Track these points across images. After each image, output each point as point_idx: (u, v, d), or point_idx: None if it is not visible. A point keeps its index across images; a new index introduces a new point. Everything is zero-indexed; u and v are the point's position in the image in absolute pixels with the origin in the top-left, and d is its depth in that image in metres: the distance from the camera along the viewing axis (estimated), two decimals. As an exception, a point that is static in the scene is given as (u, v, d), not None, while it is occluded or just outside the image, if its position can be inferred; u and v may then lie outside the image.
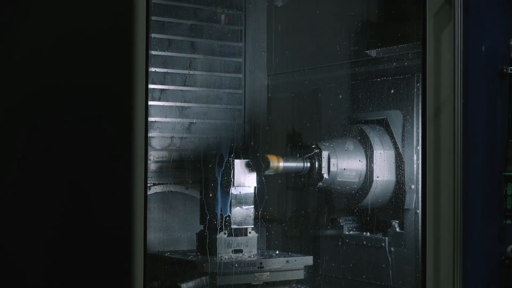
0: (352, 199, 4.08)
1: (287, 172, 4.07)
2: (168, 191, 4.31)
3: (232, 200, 4.00)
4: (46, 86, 3.46)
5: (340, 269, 4.18)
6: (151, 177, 4.25)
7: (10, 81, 3.57)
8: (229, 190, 4.01)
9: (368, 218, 4.10)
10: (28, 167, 3.49)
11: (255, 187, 4.05)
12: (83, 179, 3.32)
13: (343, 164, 4.01)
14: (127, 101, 3.14)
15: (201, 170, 4.14)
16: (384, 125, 4.03)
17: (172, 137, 4.37)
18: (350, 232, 4.19)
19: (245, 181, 4.03)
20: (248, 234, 4.04)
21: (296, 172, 4.06)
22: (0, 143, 3.56)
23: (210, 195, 4.08)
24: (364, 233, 4.12)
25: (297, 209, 4.47)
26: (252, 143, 4.48)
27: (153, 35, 4.26)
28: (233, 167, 3.98)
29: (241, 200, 4.03)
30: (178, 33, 4.40)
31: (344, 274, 4.16)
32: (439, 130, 3.17)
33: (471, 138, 3.21)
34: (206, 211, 4.06)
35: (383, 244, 4.00)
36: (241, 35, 4.60)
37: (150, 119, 4.26)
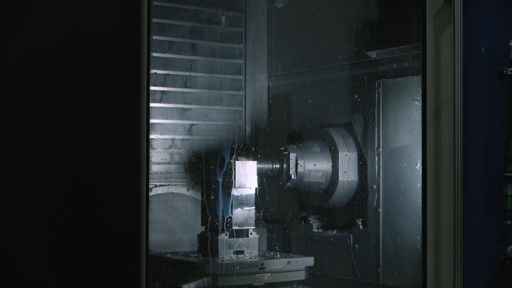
0: (319, 198, 4.27)
1: (258, 173, 4.19)
2: (169, 192, 4.31)
3: (233, 202, 4.02)
4: (48, 87, 3.46)
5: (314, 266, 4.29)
6: (152, 179, 4.26)
7: (13, 83, 3.58)
8: (230, 191, 4.03)
9: (334, 217, 4.31)
10: (29, 168, 3.50)
11: (256, 188, 4.08)
12: (84, 180, 3.33)
13: (310, 165, 4.17)
14: (129, 103, 3.15)
15: (202, 172, 4.15)
16: (349, 128, 4.22)
17: (173, 139, 4.38)
18: (319, 230, 4.35)
19: (246, 182, 4.05)
20: (249, 235, 4.05)
21: (266, 173, 4.21)
22: (6, 144, 3.57)
23: (212, 197, 4.09)
24: (331, 231, 4.31)
25: (274, 209, 4.56)
26: (252, 145, 4.49)
27: (154, 37, 4.27)
28: (234, 168, 4.01)
29: (242, 201, 4.05)
30: (179, 35, 4.41)
31: (316, 270, 4.27)
32: (439, 131, 3.18)
33: (471, 139, 3.21)
34: (207, 213, 4.07)
35: (348, 241, 4.19)
36: (241, 36, 4.61)
37: (152, 121, 4.27)
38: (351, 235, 4.19)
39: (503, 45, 3.34)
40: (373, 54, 4.18)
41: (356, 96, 4.19)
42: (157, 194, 4.27)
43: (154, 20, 4.26)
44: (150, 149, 4.22)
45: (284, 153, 4.20)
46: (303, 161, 4.20)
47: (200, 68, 4.47)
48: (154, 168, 4.30)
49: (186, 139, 4.42)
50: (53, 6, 3.47)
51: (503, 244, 3.32)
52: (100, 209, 3.29)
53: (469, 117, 3.21)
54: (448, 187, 3.15)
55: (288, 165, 4.17)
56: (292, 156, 4.18)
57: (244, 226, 4.05)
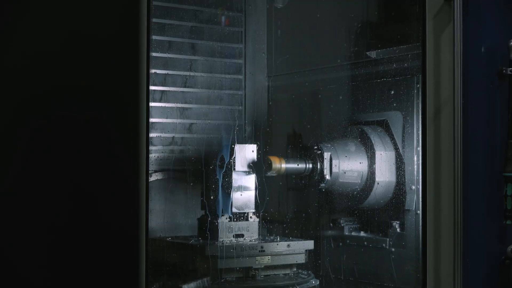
0: (354, 200, 4.09)
1: (289, 173, 4.09)
2: (169, 177, 4.31)
3: (233, 185, 4.00)
4: (48, 87, 3.47)
5: (341, 270, 4.19)
6: (153, 164, 4.27)
7: (13, 84, 3.58)
8: (230, 191, 4.03)
9: (369, 219, 4.12)
10: (29, 168, 3.50)
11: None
12: (83, 180, 3.33)
13: (345, 166, 4.03)
14: (129, 102, 3.15)
15: (202, 172, 4.15)
16: (385, 126, 4.04)
17: (173, 137, 4.38)
18: (352, 233, 4.20)
19: (245, 165, 4.03)
20: (249, 219, 4.06)
21: (298, 174, 4.08)
22: (6, 144, 3.57)
23: (212, 197, 4.09)
24: (366, 234, 4.15)
25: (298, 210, 4.48)
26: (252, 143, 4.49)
27: (154, 37, 4.27)
28: (234, 152, 3.98)
29: (241, 185, 4.04)
30: (179, 35, 4.41)
31: (345, 275, 4.17)
32: (439, 131, 3.18)
33: (471, 139, 3.21)
34: (207, 198, 4.07)
35: (384, 244, 4.01)
36: (241, 36, 4.61)
37: (151, 120, 4.27)
38: (387, 239, 4.00)
39: (503, 45, 3.34)
40: (372, 54, 4.16)
41: (393, 92, 3.99)
42: (157, 180, 4.27)
43: (154, 20, 4.26)
44: (150, 146, 4.23)
45: (318, 152, 4.03)
46: (337, 161, 4.02)
47: (200, 68, 4.47)
48: (154, 154, 4.30)
49: (186, 138, 4.43)
50: (52, 6, 3.47)
51: (503, 244, 3.32)
52: (100, 209, 3.29)
53: (469, 117, 3.21)
54: (448, 187, 3.15)
55: (322, 165, 4.01)
56: (326, 155, 4.01)
57: (243, 210, 4.04)
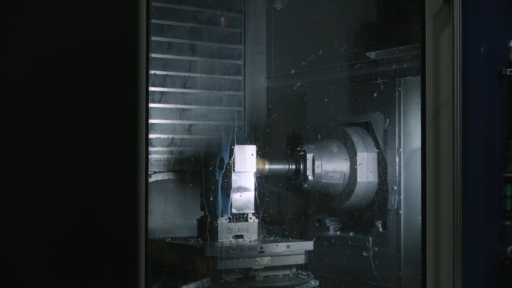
0: (337, 200, 4.18)
1: (272, 174, 4.16)
2: (168, 178, 4.32)
3: (233, 186, 4.01)
4: (48, 88, 3.47)
5: (325, 269, 4.25)
6: (152, 165, 4.27)
7: (13, 85, 3.58)
8: (230, 192, 4.03)
9: (352, 219, 4.21)
10: (29, 169, 3.50)
11: (255, 173, 4.06)
12: (83, 181, 3.33)
13: (327, 166, 4.11)
14: (128, 103, 3.15)
15: (202, 173, 4.15)
16: (367, 128, 4.13)
17: (172, 138, 4.39)
18: (337, 233, 4.28)
19: (245, 166, 4.04)
20: (248, 219, 4.06)
21: (282, 174, 4.16)
22: (6, 145, 3.57)
23: (211, 198, 4.10)
24: (349, 234, 4.22)
25: (286, 211, 4.53)
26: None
27: (153, 38, 4.27)
28: (234, 153, 4.00)
29: (241, 185, 4.04)
30: (178, 35, 4.41)
31: (331, 273, 4.24)
32: (438, 132, 3.18)
33: (470, 139, 3.21)
34: (206, 199, 4.08)
35: (367, 244, 4.09)
36: (240, 37, 4.61)
37: (151, 121, 4.27)
38: (370, 238, 4.10)
39: (502, 45, 3.34)
40: (372, 55, 4.17)
41: (375, 94, 4.09)
42: (156, 181, 4.28)
43: (153, 21, 4.26)
44: (149, 146, 4.24)
45: (301, 153, 4.12)
46: (320, 162, 4.11)
47: (199, 69, 4.47)
48: (154, 156, 4.30)
49: (185, 139, 4.43)
50: (52, 8, 3.47)
51: (502, 244, 3.32)
52: (99, 210, 3.29)
53: (468, 118, 3.21)
54: (448, 188, 3.15)
55: (305, 165, 4.10)
56: (309, 156, 4.10)
57: (243, 210, 4.05)
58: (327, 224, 4.30)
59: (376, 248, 4.07)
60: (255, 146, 4.07)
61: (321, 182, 4.13)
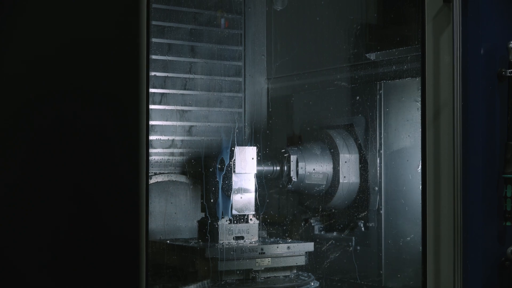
0: (321, 200, 4.28)
1: (258, 175, 4.20)
2: (169, 180, 4.33)
3: (233, 187, 4.03)
4: (49, 90, 3.47)
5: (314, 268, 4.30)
6: (152, 167, 4.28)
7: (13, 87, 3.58)
8: (230, 193, 4.03)
9: (335, 219, 4.31)
10: (30, 170, 3.50)
11: (255, 174, 4.10)
12: (83, 182, 3.33)
13: (311, 168, 4.20)
14: (128, 105, 3.15)
15: (202, 174, 4.16)
16: (350, 130, 4.24)
17: (173, 140, 4.39)
18: (321, 232, 4.35)
19: (245, 167, 4.06)
20: (249, 221, 4.07)
21: (267, 175, 4.22)
22: (7, 146, 3.57)
23: (212, 200, 4.10)
24: (333, 233, 4.31)
25: (273, 211, 4.58)
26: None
27: (153, 39, 4.27)
28: (234, 154, 4.03)
29: (241, 187, 4.06)
30: (178, 37, 4.41)
31: (317, 273, 4.28)
32: (438, 133, 3.18)
33: (470, 140, 3.22)
34: (207, 200, 4.09)
35: (350, 243, 4.19)
36: (240, 39, 4.61)
37: (151, 122, 4.28)
38: (353, 237, 4.20)
39: (502, 46, 3.34)
40: (372, 56, 4.18)
41: (358, 97, 4.20)
42: (156, 182, 4.28)
43: (153, 22, 4.26)
44: (149, 148, 4.24)
45: (285, 155, 4.20)
46: (303, 163, 4.21)
47: (199, 70, 4.47)
48: (154, 157, 4.31)
49: (186, 140, 4.43)
50: (52, 9, 3.47)
51: (502, 245, 3.32)
52: (100, 212, 3.29)
53: (468, 119, 3.21)
54: (448, 189, 3.15)
55: (289, 167, 4.19)
56: (293, 158, 4.19)
57: (243, 212, 4.06)
58: (312, 224, 4.40)
59: (358, 247, 4.17)
60: (255, 148, 4.10)
61: (305, 183, 4.23)
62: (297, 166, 4.19)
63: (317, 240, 4.33)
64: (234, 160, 4.02)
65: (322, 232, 4.37)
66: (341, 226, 4.28)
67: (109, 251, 3.23)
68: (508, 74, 3.32)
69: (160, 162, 4.33)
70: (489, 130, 3.33)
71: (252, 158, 4.07)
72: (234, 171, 4.03)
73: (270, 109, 4.69)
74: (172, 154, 4.39)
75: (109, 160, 3.26)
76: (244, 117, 4.61)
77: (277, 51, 4.66)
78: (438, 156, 3.18)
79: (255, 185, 4.10)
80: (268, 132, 4.60)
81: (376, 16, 4.26)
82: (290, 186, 4.21)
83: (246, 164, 4.06)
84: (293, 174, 4.18)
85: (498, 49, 3.34)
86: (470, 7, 3.22)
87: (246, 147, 4.08)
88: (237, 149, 4.04)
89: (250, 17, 4.64)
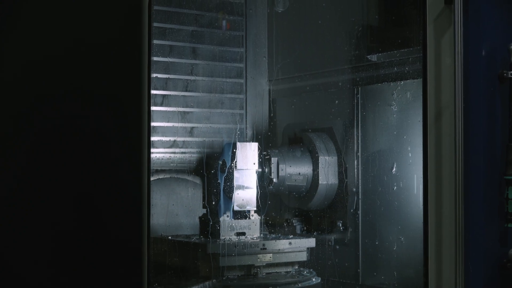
0: (301, 201, 4.40)
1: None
2: (171, 177, 4.34)
3: (235, 183, 4.06)
4: (51, 92, 3.48)
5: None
6: (154, 164, 4.29)
7: (16, 89, 3.58)
8: (232, 195, 4.04)
9: (315, 219, 4.42)
10: (32, 172, 3.51)
11: (257, 170, 4.15)
12: (84, 183, 3.34)
13: (291, 169, 4.31)
14: (130, 106, 3.16)
15: (204, 176, 4.16)
16: (330, 133, 4.35)
17: (175, 140, 4.39)
18: (303, 232, 4.44)
19: (247, 164, 4.09)
20: (250, 217, 4.08)
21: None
22: (8, 148, 3.57)
23: (213, 202, 4.10)
24: (314, 233, 4.39)
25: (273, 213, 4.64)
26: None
27: (155, 41, 4.27)
28: (236, 151, 4.06)
29: (243, 183, 4.07)
30: (180, 39, 4.42)
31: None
32: (440, 134, 3.18)
33: (471, 142, 3.22)
34: (208, 202, 4.10)
35: (329, 243, 4.29)
36: (242, 40, 4.62)
37: (153, 124, 4.28)
38: (332, 237, 4.29)
39: (503, 48, 3.35)
40: (373, 58, 4.19)
41: (337, 101, 4.30)
42: (158, 179, 4.29)
43: (155, 24, 4.26)
44: (151, 148, 4.24)
45: (266, 157, 4.27)
46: (284, 165, 4.29)
47: (201, 72, 4.47)
48: (156, 155, 4.33)
49: (188, 141, 4.44)
50: (55, 12, 3.48)
51: (504, 246, 3.33)
52: (102, 212, 3.30)
53: (469, 120, 3.21)
54: (449, 190, 3.15)
55: (270, 168, 4.26)
56: (274, 160, 4.27)
57: (245, 208, 4.07)
58: (294, 224, 4.48)
59: (337, 247, 4.26)
60: (257, 144, 4.15)
61: (286, 184, 4.32)
62: (277, 167, 4.27)
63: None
64: (236, 156, 4.05)
65: (304, 232, 4.44)
66: (321, 226, 4.37)
67: (111, 252, 3.23)
68: (509, 76, 3.33)
69: (162, 159, 4.34)
70: (490, 131, 3.33)
71: (253, 150, 4.10)
72: (236, 167, 4.06)
73: (272, 111, 4.71)
74: (173, 153, 4.40)
75: (111, 161, 3.27)
76: (246, 118, 4.61)
77: (279, 53, 4.66)
78: (440, 158, 3.18)
79: (257, 181, 4.13)
80: (269, 134, 4.62)
81: (378, 18, 4.27)
82: (271, 187, 4.28)
83: (248, 160, 4.10)
84: (273, 175, 4.26)
85: (499, 51, 3.34)
86: (471, 9, 3.22)
87: (248, 143, 4.14)
88: (239, 145, 4.07)
89: (252, 19, 4.64)
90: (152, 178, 4.14)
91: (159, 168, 4.32)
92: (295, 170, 4.33)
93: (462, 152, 3.14)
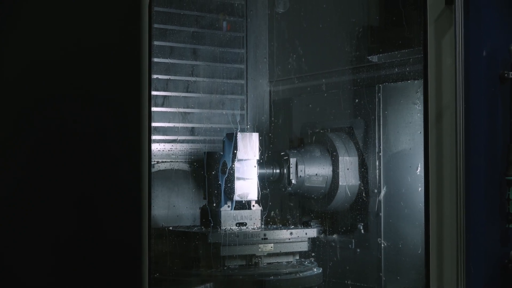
0: (320, 203, 4.30)
1: (260, 178, 4.21)
2: (172, 169, 4.34)
3: (236, 174, 4.04)
4: (53, 92, 3.48)
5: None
6: (155, 155, 4.29)
7: (16, 91, 3.59)
8: (233, 196, 4.04)
9: (335, 221, 4.32)
10: (33, 173, 3.51)
11: (257, 160, 4.11)
12: (85, 185, 3.34)
13: (310, 170, 4.22)
14: (130, 107, 3.16)
15: (205, 178, 4.16)
16: (350, 133, 4.26)
17: (177, 139, 4.40)
18: (321, 235, 4.34)
19: (248, 154, 4.07)
20: (251, 207, 4.07)
21: (266, 178, 4.25)
22: (8, 149, 3.58)
23: (214, 204, 4.10)
24: (333, 236, 4.32)
25: (275, 213, 4.59)
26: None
27: (155, 42, 4.27)
28: (236, 141, 4.04)
29: (244, 173, 4.05)
30: (180, 40, 4.42)
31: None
32: (441, 135, 3.18)
33: (473, 143, 3.21)
34: (209, 203, 4.10)
35: (350, 245, 4.20)
36: (242, 41, 4.62)
37: (154, 124, 4.28)
38: (353, 240, 4.20)
39: (504, 48, 3.34)
40: (374, 59, 4.18)
41: (357, 100, 4.21)
42: (159, 170, 4.29)
43: (155, 25, 4.26)
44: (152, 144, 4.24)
45: (285, 158, 4.21)
46: (303, 166, 4.22)
47: (201, 73, 4.48)
48: (156, 146, 4.32)
49: (188, 139, 4.44)
50: (56, 13, 3.48)
51: (505, 247, 3.32)
52: (102, 213, 3.30)
53: (470, 121, 3.21)
54: (450, 191, 3.15)
55: (289, 170, 4.19)
56: (293, 161, 4.20)
57: (246, 198, 4.05)
58: (312, 227, 4.36)
59: (358, 250, 4.18)
60: (257, 134, 4.13)
61: (305, 185, 4.24)
62: (296, 169, 4.21)
63: (317, 242, 4.33)
64: (237, 146, 4.02)
65: (322, 235, 4.37)
66: (341, 228, 4.29)
67: (111, 251, 3.23)
68: (510, 76, 3.32)
69: (163, 151, 4.34)
70: (491, 132, 3.32)
71: (255, 144, 4.09)
72: (237, 159, 4.05)
73: (273, 112, 4.70)
74: (175, 150, 4.40)
75: (111, 162, 3.27)
76: (246, 119, 4.61)
77: (279, 54, 4.66)
78: (441, 158, 3.18)
79: (257, 171, 4.11)
80: (270, 135, 4.61)
81: (378, 18, 4.26)
82: (290, 188, 4.22)
83: (249, 150, 4.07)
84: (292, 176, 4.20)
85: (500, 51, 3.34)
86: (472, 10, 3.22)
87: (248, 133, 4.12)
88: (239, 135, 4.05)
89: (252, 20, 4.64)
90: (152, 170, 4.13)
91: (160, 160, 4.32)
92: (315, 171, 4.25)
93: (463, 152, 3.13)
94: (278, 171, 4.23)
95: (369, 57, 4.20)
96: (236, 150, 4.04)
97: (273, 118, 4.69)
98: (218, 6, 4.51)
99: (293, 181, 4.20)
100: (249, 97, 4.63)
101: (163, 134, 4.36)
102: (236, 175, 4.05)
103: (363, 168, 4.19)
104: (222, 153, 4.13)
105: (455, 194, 3.14)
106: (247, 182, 4.08)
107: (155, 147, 4.28)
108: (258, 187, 4.11)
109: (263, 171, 4.21)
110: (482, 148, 3.28)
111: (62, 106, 3.45)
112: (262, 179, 4.22)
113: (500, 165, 3.32)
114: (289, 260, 4.06)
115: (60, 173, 3.42)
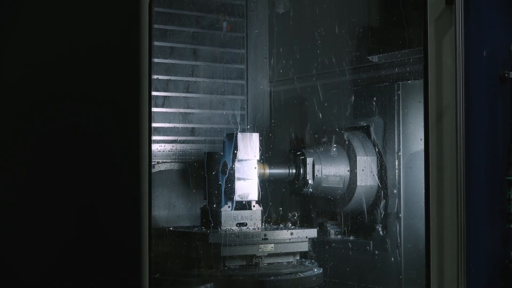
0: (337, 204, 4.20)
1: (273, 178, 4.18)
2: (171, 169, 4.34)
3: (236, 174, 4.03)
4: (53, 93, 3.48)
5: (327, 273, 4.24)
6: (155, 156, 4.29)
7: (17, 91, 3.59)
8: (233, 197, 4.04)
9: (352, 222, 4.21)
10: (33, 174, 3.51)
11: (258, 160, 4.08)
12: (85, 185, 3.34)
13: (327, 170, 4.13)
14: (130, 107, 3.16)
15: (205, 178, 4.16)
16: (367, 132, 4.15)
17: (177, 139, 4.40)
18: (338, 236, 4.27)
19: (248, 154, 4.05)
20: (252, 207, 4.07)
21: (282, 179, 4.18)
22: (9, 150, 3.58)
23: (214, 205, 4.10)
24: (350, 237, 4.23)
25: (287, 213, 4.55)
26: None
27: (155, 42, 4.27)
28: (237, 141, 4.03)
29: (244, 173, 4.04)
30: (180, 40, 4.42)
31: (331, 277, 4.23)
32: (441, 135, 3.18)
33: (473, 143, 3.21)
34: (210, 204, 4.10)
35: (367, 247, 4.11)
36: (243, 42, 4.62)
37: (154, 124, 4.28)
38: (371, 241, 4.11)
39: (504, 48, 3.34)
40: (374, 59, 4.17)
41: (375, 98, 4.11)
42: (159, 171, 4.29)
43: (156, 26, 4.27)
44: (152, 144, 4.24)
45: (301, 158, 4.13)
46: (320, 166, 4.14)
47: (202, 73, 4.48)
48: (157, 146, 4.32)
49: (189, 140, 4.45)
50: (56, 13, 3.48)
51: (506, 247, 3.32)
52: (101, 215, 3.30)
53: (471, 121, 3.21)
54: (451, 191, 3.15)
55: (305, 170, 4.12)
56: (309, 160, 4.12)
57: (246, 198, 4.05)
58: (328, 228, 4.32)
59: (376, 252, 4.08)
60: (258, 134, 4.10)
61: (322, 186, 4.15)
62: (313, 169, 4.12)
63: (333, 244, 4.26)
64: (238, 146, 4.01)
65: (339, 236, 4.28)
66: (359, 230, 4.19)
67: (111, 252, 3.23)
68: (511, 76, 3.32)
69: (163, 151, 4.34)
70: (492, 132, 3.32)
71: (255, 144, 4.06)
72: (237, 159, 4.03)
73: (273, 112, 4.68)
74: (175, 150, 4.40)
75: (112, 163, 3.27)
76: (247, 119, 4.62)
77: (280, 54, 4.66)
78: (441, 159, 3.18)
79: (258, 172, 4.08)
80: (271, 135, 4.60)
81: (378, 18, 4.26)
82: (306, 189, 4.13)
83: (249, 150, 4.06)
84: (309, 177, 4.11)
85: (500, 51, 3.34)
86: (472, 10, 3.22)
87: (249, 133, 4.09)
88: (240, 136, 4.03)
89: (253, 20, 4.65)
90: (153, 170, 4.14)
91: (160, 161, 4.32)
92: (332, 171, 4.14)
93: (463, 152, 3.13)
94: (294, 171, 4.15)
95: (369, 57, 4.19)
96: (237, 151, 4.02)
97: (273, 120, 4.66)
98: (218, 7, 4.52)
99: (310, 182, 4.12)
100: (249, 97, 4.63)
101: (164, 135, 4.36)
102: (236, 175, 4.03)
103: (382, 168, 4.08)
104: (222, 154, 4.12)
105: (455, 194, 3.14)
106: (247, 182, 4.07)
107: (155, 147, 4.28)
108: (258, 187, 4.09)
109: (278, 171, 4.14)
110: (483, 148, 3.28)
111: (62, 107, 3.45)
112: (278, 179, 4.16)
113: (501, 165, 3.32)
114: (290, 261, 4.05)
115: (60, 174, 3.41)
